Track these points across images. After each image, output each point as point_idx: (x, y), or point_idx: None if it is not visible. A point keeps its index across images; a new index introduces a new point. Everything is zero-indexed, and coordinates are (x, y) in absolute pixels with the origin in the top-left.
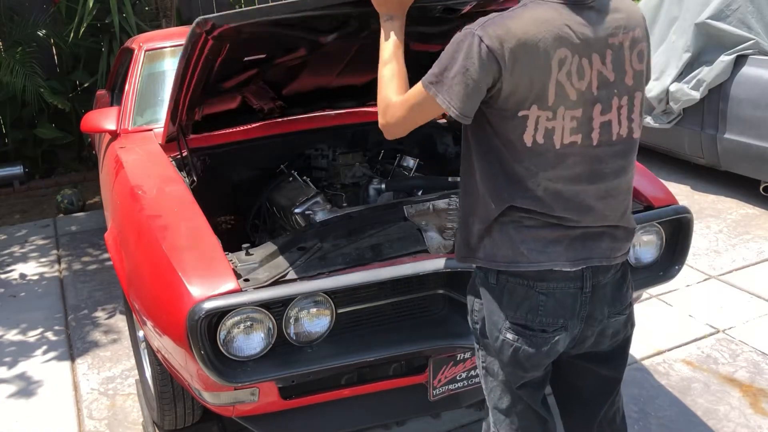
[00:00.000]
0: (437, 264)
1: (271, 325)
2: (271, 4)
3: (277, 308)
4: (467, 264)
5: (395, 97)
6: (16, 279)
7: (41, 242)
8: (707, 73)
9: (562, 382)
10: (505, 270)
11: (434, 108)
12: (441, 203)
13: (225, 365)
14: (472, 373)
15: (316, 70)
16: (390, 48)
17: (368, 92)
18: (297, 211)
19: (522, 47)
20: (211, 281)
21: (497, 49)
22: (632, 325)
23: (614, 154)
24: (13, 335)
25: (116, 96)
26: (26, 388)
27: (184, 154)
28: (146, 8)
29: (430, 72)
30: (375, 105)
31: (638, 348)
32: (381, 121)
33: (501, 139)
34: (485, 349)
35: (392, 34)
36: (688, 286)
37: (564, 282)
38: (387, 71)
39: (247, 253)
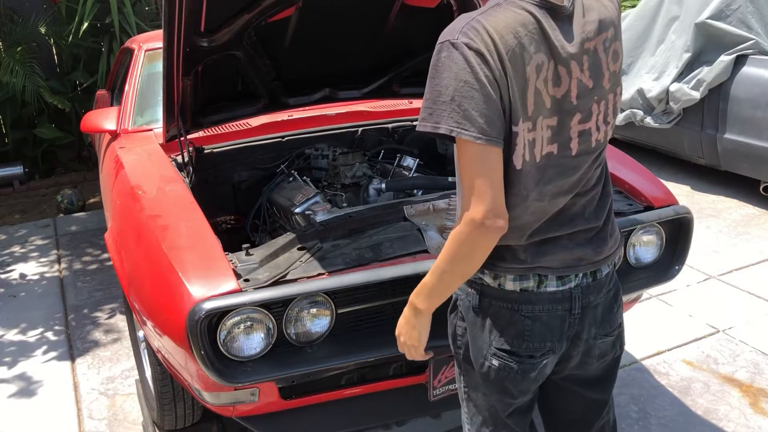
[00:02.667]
0: None
1: (271, 326)
2: None
3: (277, 308)
4: None
5: (461, 206)
6: (16, 279)
7: (41, 242)
8: (707, 73)
9: (549, 405)
10: (488, 292)
11: (473, 151)
12: (441, 203)
13: (225, 365)
14: None
15: (314, 44)
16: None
17: (368, 79)
18: (297, 211)
19: (505, 49)
20: (211, 281)
21: (486, 52)
22: (621, 345)
23: (592, 161)
24: (13, 335)
25: (116, 96)
26: (26, 388)
27: (184, 154)
28: (146, 8)
29: (420, 115)
30: (374, 99)
31: (638, 348)
32: (477, 216)
33: None
34: (467, 376)
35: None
36: (688, 286)
37: (551, 304)
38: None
39: (247, 253)
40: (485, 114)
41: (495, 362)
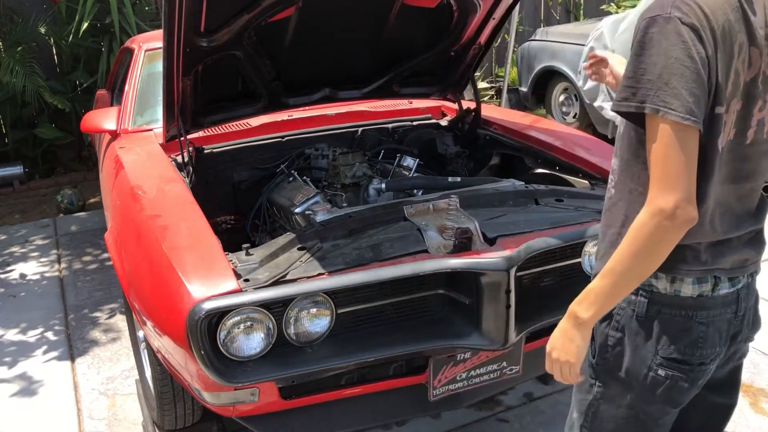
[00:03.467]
0: (437, 264)
1: (271, 325)
2: None
3: (277, 308)
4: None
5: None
6: (16, 279)
7: (41, 242)
8: None
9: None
10: (658, 299)
11: (675, 133)
12: (441, 203)
13: (225, 365)
14: (472, 373)
15: (314, 44)
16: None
17: (368, 79)
18: (297, 211)
19: (717, 26)
20: (211, 281)
21: (700, 28)
22: (748, 348)
23: (761, 153)
24: (13, 335)
25: (116, 96)
26: (26, 387)
27: (184, 154)
28: (146, 8)
29: (619, 95)
30: (375, 99)
31: None
32: (668, 206)
33: None
34: (604, 387)
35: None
36: None
37: (723, 308)
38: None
39: (247, 253)
40: (695, 93)
41: (661, 372)
